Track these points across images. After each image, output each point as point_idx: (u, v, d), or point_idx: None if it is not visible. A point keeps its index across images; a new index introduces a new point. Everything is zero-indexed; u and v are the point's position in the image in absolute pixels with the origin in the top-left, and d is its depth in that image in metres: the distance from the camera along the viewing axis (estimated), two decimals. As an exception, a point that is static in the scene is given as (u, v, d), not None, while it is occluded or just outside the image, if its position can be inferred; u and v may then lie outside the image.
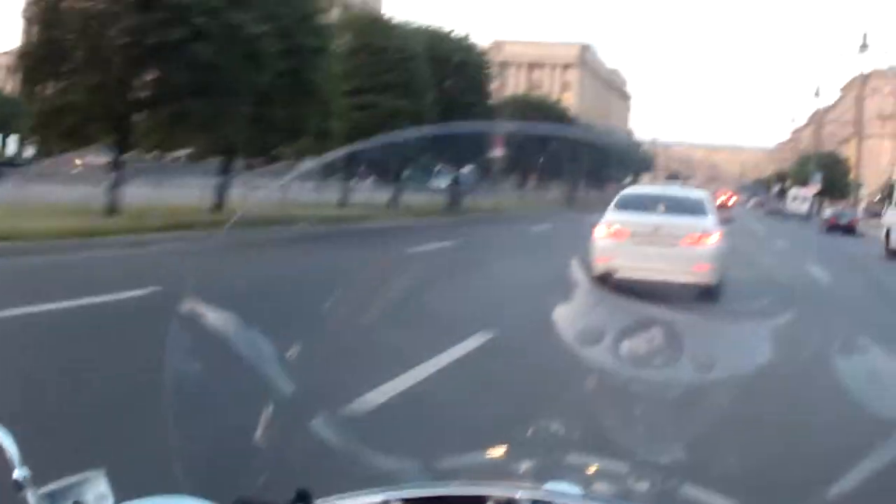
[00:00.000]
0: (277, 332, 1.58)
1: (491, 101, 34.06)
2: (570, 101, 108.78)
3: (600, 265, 8.50)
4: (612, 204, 10.00)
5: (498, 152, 29.29)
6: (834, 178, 64.67)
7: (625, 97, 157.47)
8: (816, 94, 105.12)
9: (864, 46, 50.70)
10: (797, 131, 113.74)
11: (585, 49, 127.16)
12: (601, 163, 50.43)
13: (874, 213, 41.45)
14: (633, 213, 9.61)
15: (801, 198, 54.75)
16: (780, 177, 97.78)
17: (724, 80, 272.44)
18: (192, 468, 1.44)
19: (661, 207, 9.77)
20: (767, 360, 1.89)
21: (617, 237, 9.21)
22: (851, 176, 66.53)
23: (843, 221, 37.03)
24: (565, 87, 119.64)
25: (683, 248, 9.10)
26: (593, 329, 1.86)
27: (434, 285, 6.60)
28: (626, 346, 1.75)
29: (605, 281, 7.76)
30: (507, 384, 4.41)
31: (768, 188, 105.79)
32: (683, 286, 8.69)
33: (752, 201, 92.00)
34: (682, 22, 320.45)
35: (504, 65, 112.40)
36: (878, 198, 54.48)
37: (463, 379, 4.69)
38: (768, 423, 3.97)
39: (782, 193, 77.72)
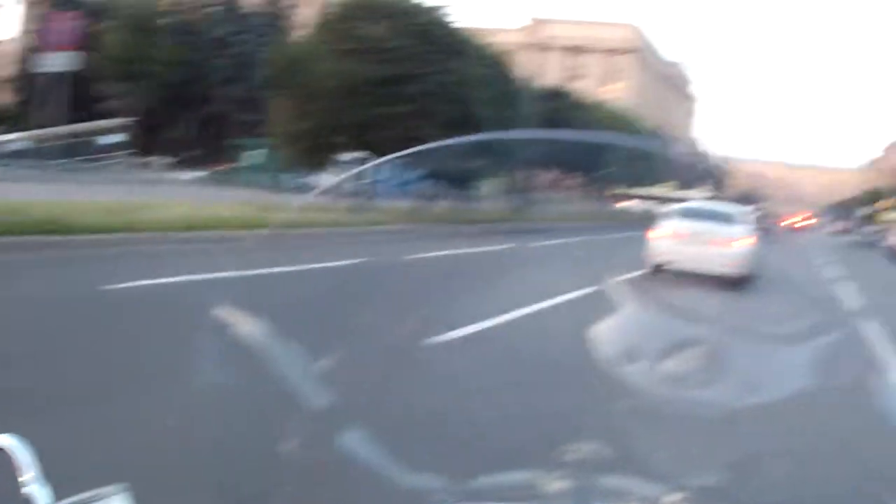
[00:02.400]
0: (309, 342, 1.58)
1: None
2: (617, 93, 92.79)
3: (654, 259, 11.58)
4: (668, 214, 12.92)
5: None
6: None
7: (688, 98, 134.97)
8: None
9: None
10: (891, 147, 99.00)
11: (638, 33, 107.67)
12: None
13: None
14: (681, 221, 12.37)
15: None
16: (873, 196, 79.54)
17: (805, 92, 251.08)
18: (219, 480, 1.40)
19: (703, 218, 12.61)
20: (809, 384, 1.85)
21: (667, 238, 11.90)
22: None
23: None
24: (611, 76, 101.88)
25: (717, 248, 11.60)
26: (632, 349, 1.84)
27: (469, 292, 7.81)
28: (665, 366, 1.71)
29: (659, 270, 11.32)
30: (541, 403, 4.41)
31: (852, 211, 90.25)
32: (719, 276, 11.01)
33: (833, 226, 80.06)
34: (755, 18, 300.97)
35: (543, 47, 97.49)
36: None
37: (496, 395, 4.59)
38: (809, 450, 3.88)
39: (869, 219, 65.92)
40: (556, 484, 1.31)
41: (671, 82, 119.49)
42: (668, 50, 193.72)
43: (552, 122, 33.26)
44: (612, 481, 1.33)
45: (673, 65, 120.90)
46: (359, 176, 16.66)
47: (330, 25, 23.87)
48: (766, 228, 23.24)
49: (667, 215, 12.88)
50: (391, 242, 14.91)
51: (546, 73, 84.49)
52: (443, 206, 24.49)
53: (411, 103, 20.92)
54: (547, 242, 17.11)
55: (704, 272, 11.00)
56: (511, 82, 27.54)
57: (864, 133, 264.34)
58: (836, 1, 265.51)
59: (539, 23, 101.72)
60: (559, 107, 34.74)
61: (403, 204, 21.30)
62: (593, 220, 32.86)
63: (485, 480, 1.38)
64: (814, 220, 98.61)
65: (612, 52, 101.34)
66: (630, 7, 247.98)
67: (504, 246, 15.39)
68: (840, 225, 78.18)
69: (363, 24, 22.44)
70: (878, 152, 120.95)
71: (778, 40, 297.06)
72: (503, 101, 24.83)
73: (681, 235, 11.81)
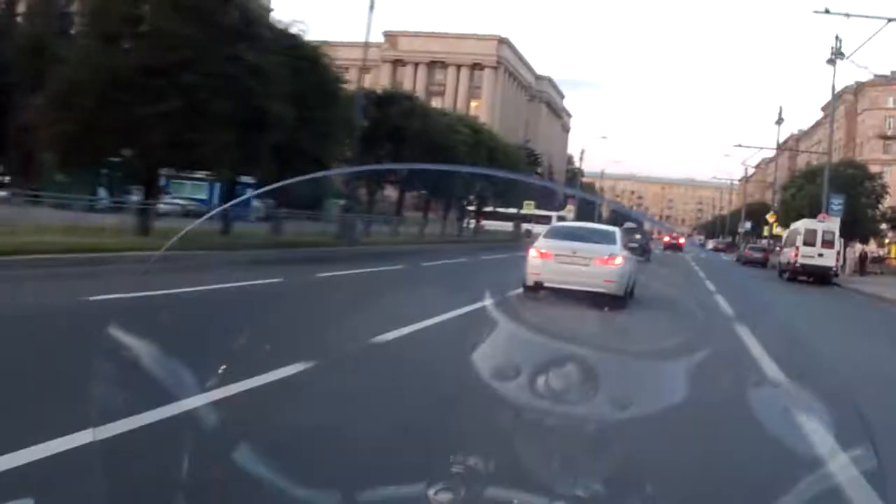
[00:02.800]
0: (199, 361, 1.79)
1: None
2: (479, 110, 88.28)
3: (532, 278, 11.75)
4: (542, 234, 13.43)
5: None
6: (857, 208, 41.90)
7: (559, 113, 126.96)
8: (778, 120, 76.71)
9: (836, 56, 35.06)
10: (764, 163, 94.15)
11: (505, 45, 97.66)
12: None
13: None
14: (559, 240, 12.64)
15: (822, 233, 31.50)
16: (753, 212, 74.01)
17: (681, 108, 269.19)
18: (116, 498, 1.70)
19: (581, 237, 12.90)
20: (683, 397, 1.97)
21: (545, 257, 12.11)
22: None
23: None
24: (474, 91, 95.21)
25: (595, 266, 11.83)
26: (511, 365, 1.92)
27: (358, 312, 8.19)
28: (543, 381, 1.84)
29: (537, 288, 11.53)
30: (426, 419, 4.46)
31: (730, 226, 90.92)
32: (597, 294, 10.87)
33: (715, 243, 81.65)
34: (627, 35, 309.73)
35: (401, 62, 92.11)
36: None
37: (384, 410, 4.83)
38: (685, 460, 4.21)
39: (755, 234, 64.65)
40: (441, 496, 1.52)
41: (542, 97, 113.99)
42: (540, 64, 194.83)
43: (386, 127, 30.54)
44: (494, 493, 1.56)
45: (544, 79, 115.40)
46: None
47: (94, 6, 19.30)
48: (644, 246, 24.09)
49: (545, 234, 13.29)
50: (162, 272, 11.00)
51: (404, 88, 79.45)
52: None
53: (182, 98, 16.67)
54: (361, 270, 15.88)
55: (583, 290, 10.94)
56: (331, 81, 23.42)
57: (739, 149, 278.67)
58: (714, 20, 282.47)
59: (392, 37, 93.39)
60: (395, 112, 31.46)
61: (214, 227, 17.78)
62: (449, 244, 33.31)
63: (370, 494, 1.68)
64: (694, 237, 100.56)
65: (476, 66, 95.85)
66: (500, 19, 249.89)
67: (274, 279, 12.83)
68: (722, 242, 79.35)
69: (126, 3, 18.00)
70: (751, 168, 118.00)
71: (653, 57, 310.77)
72: (316, 101, 20.93)
73: (559, 254, 12.04)
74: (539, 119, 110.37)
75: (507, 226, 50.26)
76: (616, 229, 14.60)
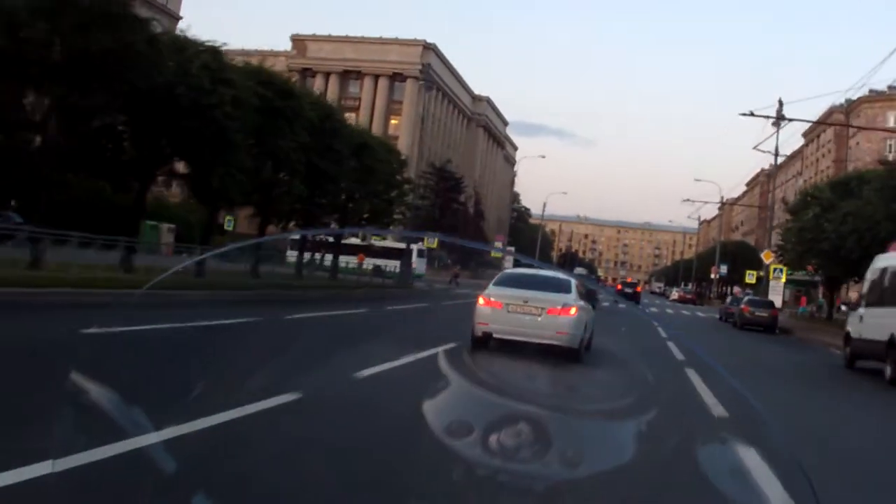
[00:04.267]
0: (158, 408, 1.79)
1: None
2: (400, 129, 77.81)
3: (481, 329, 11.37)
4: (494, 282, 12.46)
5: None
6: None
7: (500, 142, 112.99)
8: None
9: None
10: (724, 208, 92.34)
11: (430, 51, 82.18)
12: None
13: None
14: (509, 289, 11.75)
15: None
16: (723, 254, 65.07)
17: (637, 153, 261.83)
18: None
19: (533, 285, 11.78)
20: (632, 456, 1.97)
21: (495, 307, 11.46)
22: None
23: None
24: (392, 108, 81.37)
25: (548, 317, 11.20)
26: (462, 422, 1.90)
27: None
28: (495, 439, 1.81)
29: (486, 340, 11.23)
30: (376, 473, 4.38)
31: (689, 274, 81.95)
32: (551, 347, 10.77)
33: (679, 293, 68.92)
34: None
35: (308, 72, 78.04)
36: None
37: (339, 468, 4.54)
38: None
39: (732, 281, 58.88)
40: None
41: (479, 121, 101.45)
42: (478, 83, 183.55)
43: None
44: None
45: (482, 100, 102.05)
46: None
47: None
48: (592, 294, 22.96)
49: (494, 282, 12.49)
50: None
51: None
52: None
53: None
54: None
55: (535, 342, 10.82)
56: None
57: (695, 192, 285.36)
58: (674, 61, 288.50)
59: (300, 41, 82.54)
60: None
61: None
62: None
63: None
64: (652, 284, 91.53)
65: (396, 76, 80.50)
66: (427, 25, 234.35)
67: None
68: (688, 291, 68.56)
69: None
70: (710, 211, 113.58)
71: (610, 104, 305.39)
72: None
73: (509, 303, 11.36)
74: (475, 145, 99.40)
75: (351, 259, 39.54)
76: (570, 277, 14.31)
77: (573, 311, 11.33)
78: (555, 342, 10.89)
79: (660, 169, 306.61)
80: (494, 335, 11.25)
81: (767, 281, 36.22)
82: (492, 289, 11.92)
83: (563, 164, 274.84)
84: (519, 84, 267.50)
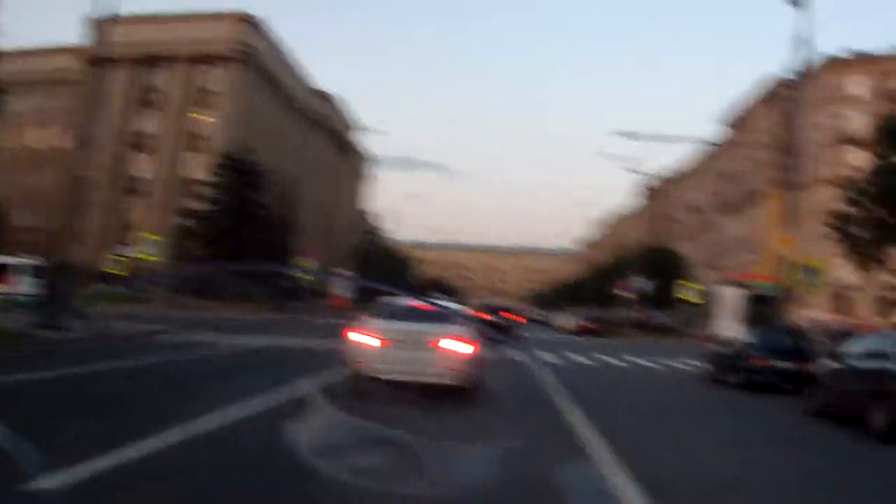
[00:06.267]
0: None
1: None
2: (212, 126, 60.23)
3: (357, 367, 9.92)
4: (370, 313, 10.82)
5: None
6: None
7: (344, 148, 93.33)
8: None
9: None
10: (607, 227, 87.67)
11: (251, 27, 64.02)
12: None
13: None
14: (389, 322, 10.30)
15: None
16: (655, 266, 49.93)
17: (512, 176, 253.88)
18: None
19: (415, 318, 10.39)
20: (494, 478, 2.22)
21: (372, 343, 9.98)
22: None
23: None
24: (204, 100, 62.24)
25: (433, 353, 9.88)
26: (331, 444, 2.10)
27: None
28: (362, 461, 2.05)
29: (362, 379, 9.76)
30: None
31: (584, 301, 66.47)
32: (436, 385, 9.67)
33: (578, 323, 47.80)
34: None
35: (108, 62, 49.00)
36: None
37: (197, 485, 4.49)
38: None
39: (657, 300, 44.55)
40: None
41: (320, 121, 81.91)
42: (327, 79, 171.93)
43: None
44: None
45: (326, 97, 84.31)
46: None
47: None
48: (507, 329, 22.78)
49: (372, 313, 10.86)
50: None
51: (113, 98, 55.21)
52: None
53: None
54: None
55: (419, 381, 9.68)
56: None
57: (572, 216, 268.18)
58: (547, 81, 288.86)
59: (100, 26, 46.07)
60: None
61: None
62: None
63: None
64: (532, 313, 76.00)
65: (205, 59, 62.34)
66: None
67: None
68: (591, 317, 51.06)
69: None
70: (589, 235, 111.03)
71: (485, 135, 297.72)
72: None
73: (392, 339, 9.97)
74: (314, 148, 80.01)
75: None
76: (462, 307, 13.21)
77: (462, 344, 10.06)
78: (447, 381, 9.91)
79: (538, 198, 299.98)
80: (375, 375, 9.72)
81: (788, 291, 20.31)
82: (371, 321, 10.47)
83: (444, 198, 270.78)
84: (399, 118, 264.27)
